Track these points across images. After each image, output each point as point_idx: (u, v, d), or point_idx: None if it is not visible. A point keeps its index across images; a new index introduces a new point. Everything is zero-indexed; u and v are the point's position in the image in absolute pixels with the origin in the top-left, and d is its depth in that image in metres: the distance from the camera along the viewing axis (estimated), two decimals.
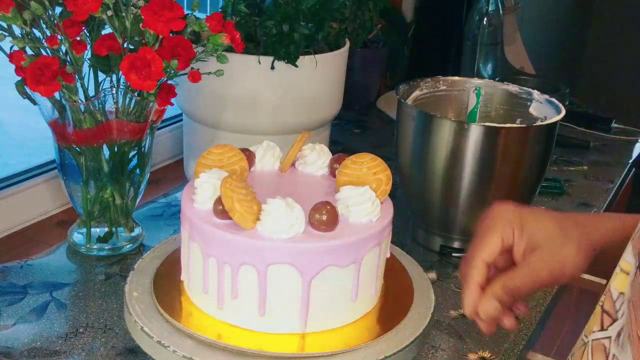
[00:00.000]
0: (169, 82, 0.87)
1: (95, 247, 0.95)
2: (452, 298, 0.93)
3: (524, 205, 0.68)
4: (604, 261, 0.64)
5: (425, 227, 1.05)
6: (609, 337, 0.55)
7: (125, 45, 0.85)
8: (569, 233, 0.64)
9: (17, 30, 0.82)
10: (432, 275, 0.97)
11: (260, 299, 0.71)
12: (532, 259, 0.63)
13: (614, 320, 0.55)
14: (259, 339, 0.72)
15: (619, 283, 0.55)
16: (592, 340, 0.56)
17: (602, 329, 0.55)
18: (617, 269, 0.56)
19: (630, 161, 1.49)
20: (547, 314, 0.96)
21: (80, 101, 0.85)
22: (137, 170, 0.94)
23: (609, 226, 0.66)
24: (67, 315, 0.84)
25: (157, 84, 0.83)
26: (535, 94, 1.05)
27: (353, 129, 1.51)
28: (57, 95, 0.84)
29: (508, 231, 0.64)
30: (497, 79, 1.44)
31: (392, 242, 0.80)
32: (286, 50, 1.01)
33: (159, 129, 1.03)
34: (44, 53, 0.83)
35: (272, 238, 0.69)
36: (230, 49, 0.89)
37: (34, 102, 0.88)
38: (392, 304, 0.80)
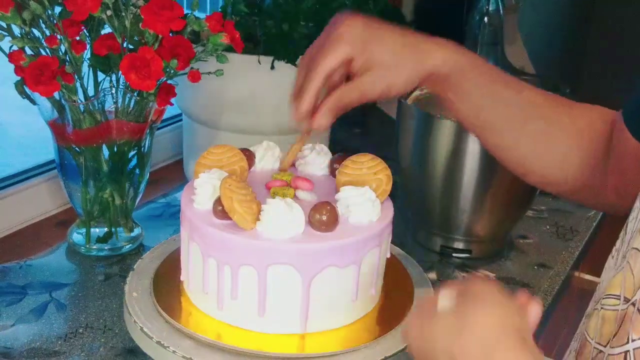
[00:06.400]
0: (169, 82, 0.87)
1: (94, 247, 0.95)
2: None
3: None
4: (431, 83, 0.72)
5: (426, 227, 1.05)
6: None
7: (124, 45, 0.84)
8: (405, 58, 0.69)
9: (16, 30, 0.82)
10: (432, 275, 0.97)
11: (260, 300, 0.71)
12: (365, 78, 0.69)
13: None
14: (258, 339, 0.72)
15: None
16: (635, 349, 0.54)
17: None
18: None
19: None
20: (547, 315, 0.96)
21: (79, 101, 0.85)
22: (137, 170, 0.94)
23: (440, 55, 0.70)
24: (67, 315, 0.83)
25: (157, 84, 0.83)
26: None
27: (353, 129, 1.51)
28: (56, 95, 0.84)
29: (354, 46, 0.68)
30: None
31: (393, 242, 0.80)
32: (286, 50, 1.00)
33: (158, 129, 1.03)
34: (43, 53, 0.83)
35: (272, 238, 0.69)
36: (230, 49, 0.88)
37: (34, 102, 0.88)
38: (392, 304, 0.80)
